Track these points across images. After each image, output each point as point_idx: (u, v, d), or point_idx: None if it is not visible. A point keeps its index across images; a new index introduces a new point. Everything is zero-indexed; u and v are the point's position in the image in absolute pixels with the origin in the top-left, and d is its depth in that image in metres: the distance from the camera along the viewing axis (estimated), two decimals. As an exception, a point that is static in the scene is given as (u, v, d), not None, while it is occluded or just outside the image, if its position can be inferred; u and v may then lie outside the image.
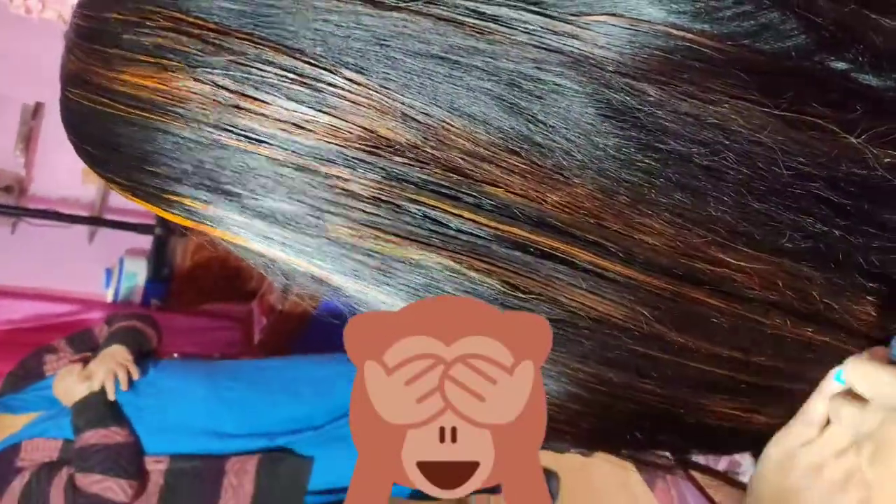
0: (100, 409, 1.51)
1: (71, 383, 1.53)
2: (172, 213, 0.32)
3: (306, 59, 0.29)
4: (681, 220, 0.30)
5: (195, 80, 0.30)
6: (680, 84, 0.29)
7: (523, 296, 0.31)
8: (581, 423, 0.34)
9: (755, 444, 0.36)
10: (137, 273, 2.46)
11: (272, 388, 1.69)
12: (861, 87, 0.31)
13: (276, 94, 0.30)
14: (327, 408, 1.70)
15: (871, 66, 0.31)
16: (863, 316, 0.33)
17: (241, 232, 0.32)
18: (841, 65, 0.31)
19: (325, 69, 0.29)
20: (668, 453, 0.38)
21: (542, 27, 0.29)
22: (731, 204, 0.30)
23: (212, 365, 1.80)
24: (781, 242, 0.31)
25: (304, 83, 0.30)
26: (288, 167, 0.30)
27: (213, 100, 0.30)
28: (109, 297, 2.46)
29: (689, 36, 0.29)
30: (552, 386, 0.32)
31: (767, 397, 0.35)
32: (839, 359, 0.34)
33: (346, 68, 0.29)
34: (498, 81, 0.29)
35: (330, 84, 0.29)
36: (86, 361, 1.59)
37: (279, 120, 0.30)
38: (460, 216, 0.30)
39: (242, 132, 0.30)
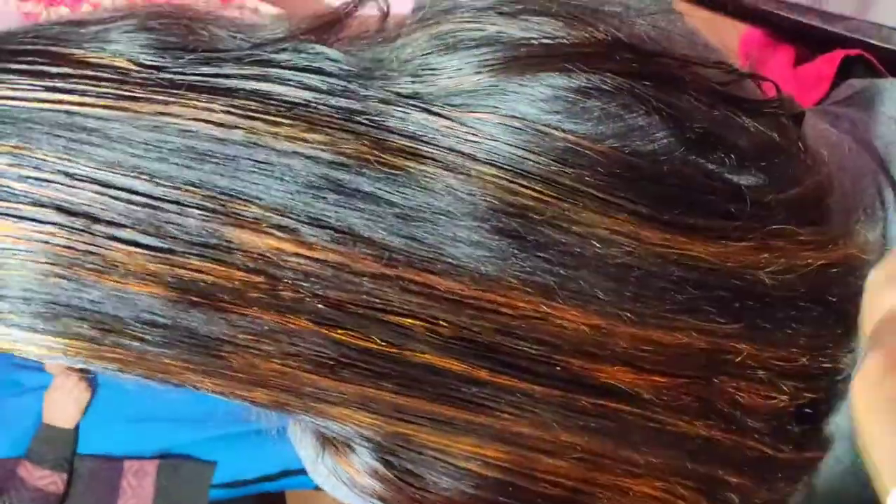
0: (67, 448, 1.48)
1: (66, 401, 1.48)
2: None
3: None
4: (584, 322, 0.30)
5: None
6: (569, 196, 0.29)
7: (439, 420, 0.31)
8: None
9: None
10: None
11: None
12: (734, 187, 0.31)
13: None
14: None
15: (737, 166, 0.31)
16: (764, 413, 0.33)
17: None
18: (710, 165, 0.31)
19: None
20: None
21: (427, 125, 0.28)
22: (632, 311, 0.30)
23: None
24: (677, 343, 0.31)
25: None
26: None
27: None
28: None
29: (568, 137, 0.29)
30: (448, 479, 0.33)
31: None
32: (748, 459, 0.33)
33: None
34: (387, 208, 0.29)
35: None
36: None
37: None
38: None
39: None
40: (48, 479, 1.44)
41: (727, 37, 0.76)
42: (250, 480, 1.82)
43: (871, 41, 0.58)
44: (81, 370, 1.55)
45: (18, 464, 1.45)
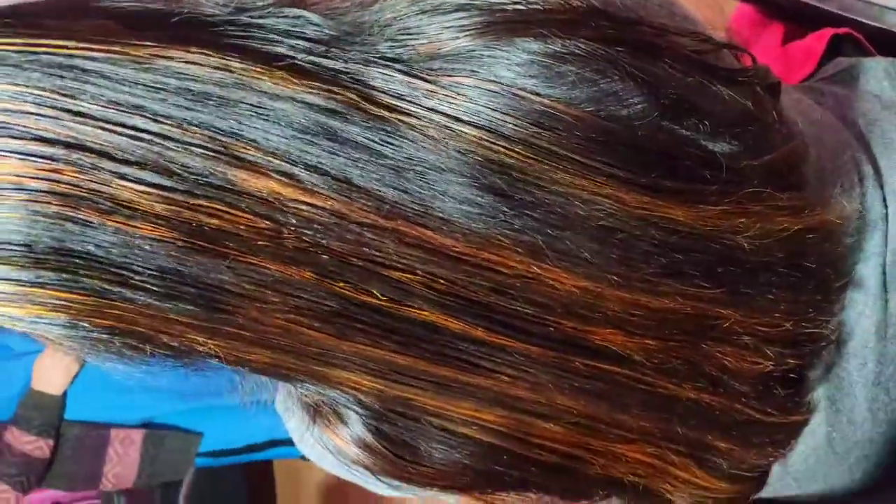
0: (54, 415, 1.48)
1: (56, 369, 1.48)
2: None
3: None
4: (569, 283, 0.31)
5: None
6: (548, 159, 0.29)
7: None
8: (472, 469, 0.34)
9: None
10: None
11: None
12: (708, 154, 0.32)
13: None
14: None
15: (712, 133, 0.32)
16: (750, 377, 0.34)
17: None
18: (685, 132, 0.32)
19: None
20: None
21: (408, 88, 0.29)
22: (619, 272, 0.31)
23: None
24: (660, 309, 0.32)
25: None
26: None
27: None
28: None
29: (544, 101, 0.29)
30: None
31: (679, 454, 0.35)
32: (736, 422, 0.34)
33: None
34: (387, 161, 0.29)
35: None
36: None
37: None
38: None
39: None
40: (34, 445, 1.45)
41: (718, 13, 0.75)
42: (237, 450, 1.84)
43: (862, 20, 0.58)
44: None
45: (5, 428, 1.46)
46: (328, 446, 0.35)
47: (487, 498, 0.37)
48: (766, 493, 0.44)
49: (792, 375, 0.36)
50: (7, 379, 1.52)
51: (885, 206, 0.38)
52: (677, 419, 0.34)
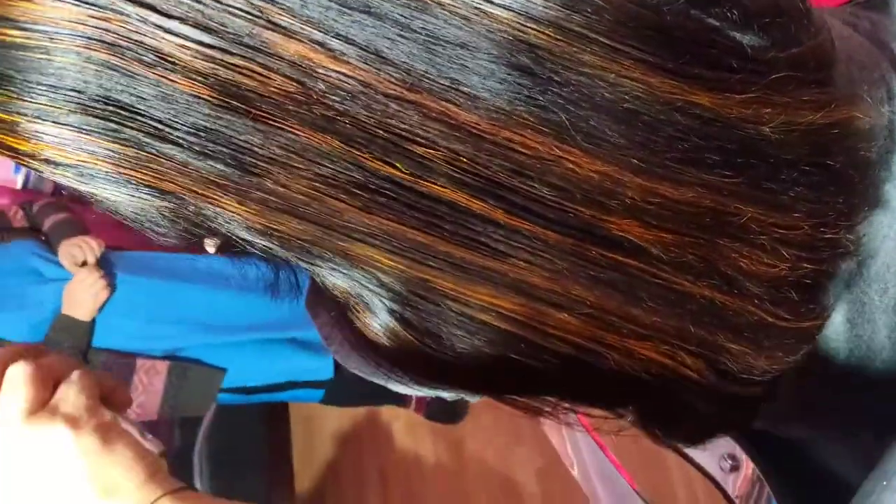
0: (83, 339, 1.55)
1: (85, 295, 1.54)
2: None
3: None
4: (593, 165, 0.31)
5: None
6: (577, 41, 0.30)
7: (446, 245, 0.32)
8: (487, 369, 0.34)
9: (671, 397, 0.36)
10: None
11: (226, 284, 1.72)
12: (737, 44, 0.31)
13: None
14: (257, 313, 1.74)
15: (740, 24, 0.31)
16: (765, 279, 0.34)
17: None
18: (713, 21, 0.31)
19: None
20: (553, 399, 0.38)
21: None
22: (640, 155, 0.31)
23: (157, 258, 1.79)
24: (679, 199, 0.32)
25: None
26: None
27: None
28: (19, 184, 2.37)
29: None
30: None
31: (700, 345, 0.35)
32: (748, 324, 0.34)
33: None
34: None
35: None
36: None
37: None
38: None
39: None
40: None
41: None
42: (258, 388, 1.87)
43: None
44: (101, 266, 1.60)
45: (36, 350, 1.50)
46: (356, 343, 0.36)
47: (511, 403, 0.37)
48: (786, 430, 0.44)
49: (807, 281, 0.35)
50: (39, 303, 1.56)
51: None
52: (690, 317, 0.34)
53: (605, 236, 0.32)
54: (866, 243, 0.37)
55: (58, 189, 2.41)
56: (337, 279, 0.34)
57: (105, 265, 1.62)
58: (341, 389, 1.91)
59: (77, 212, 1.76)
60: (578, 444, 0.81)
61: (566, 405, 0.38)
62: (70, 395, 0.45)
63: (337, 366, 1.82)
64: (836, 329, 0.38)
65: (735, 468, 0.63)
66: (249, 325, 1.75)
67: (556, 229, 0.32)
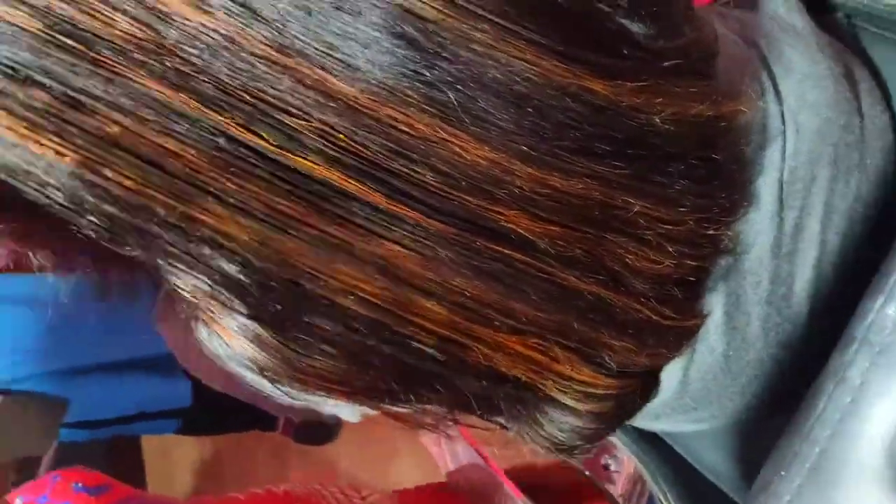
0: None
1: None
2: None
3: None
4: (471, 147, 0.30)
5: None
6: (467, 17, 0.29)
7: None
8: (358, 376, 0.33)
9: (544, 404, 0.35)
10: None
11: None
12: (626, 31, 0.31)
13: None
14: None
15: (628, 11, 0.31)
16: (650, 276, 0.34)
17: None
18: (602, 6, 0.31)
19: None
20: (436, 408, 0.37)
21: None
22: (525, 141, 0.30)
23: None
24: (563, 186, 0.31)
25: None
26: None
27: None
28: None
29: None
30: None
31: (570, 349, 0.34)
32: (632, 321, 0.34)
33: None
34: None
35: None
36: None
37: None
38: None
39: None
40: None
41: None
42: (105, 421, 1.75)
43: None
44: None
45: None
46: (216, 345, 0.33)
47: (392, 415, 0.36)
48: (665, 425, 0.45)
49: (690, 279, 0.36)
50: None
51: (783, 123, 0.39)
52: (575, 313, 0.33)
53: (491, 227, 0.31)
54: (742, 238, 0.38)
55: None
56: (183, 268, 0.30)
57: None
58: (200, 418, 1.82)
59: None
60: (458, 454, 0.80)
61: (447, 415, 0.37)
62: None
63: (196, 391, 1.74)
64: (716, 322, 0.39)
65: (615, 469, 0.64)
66: (92, 348, 1.64)
67: (439, 218, 0.30)
